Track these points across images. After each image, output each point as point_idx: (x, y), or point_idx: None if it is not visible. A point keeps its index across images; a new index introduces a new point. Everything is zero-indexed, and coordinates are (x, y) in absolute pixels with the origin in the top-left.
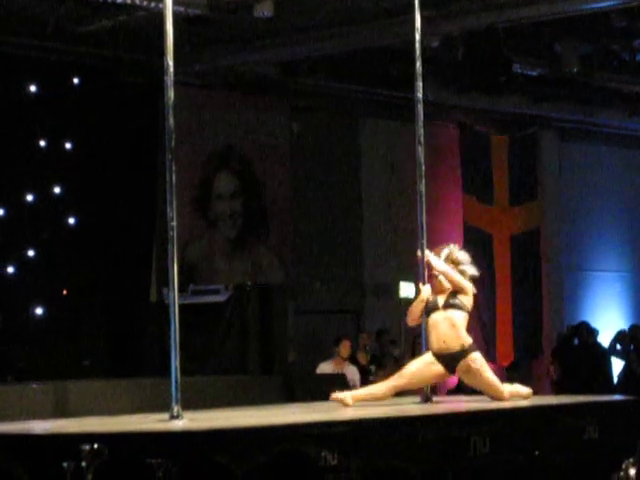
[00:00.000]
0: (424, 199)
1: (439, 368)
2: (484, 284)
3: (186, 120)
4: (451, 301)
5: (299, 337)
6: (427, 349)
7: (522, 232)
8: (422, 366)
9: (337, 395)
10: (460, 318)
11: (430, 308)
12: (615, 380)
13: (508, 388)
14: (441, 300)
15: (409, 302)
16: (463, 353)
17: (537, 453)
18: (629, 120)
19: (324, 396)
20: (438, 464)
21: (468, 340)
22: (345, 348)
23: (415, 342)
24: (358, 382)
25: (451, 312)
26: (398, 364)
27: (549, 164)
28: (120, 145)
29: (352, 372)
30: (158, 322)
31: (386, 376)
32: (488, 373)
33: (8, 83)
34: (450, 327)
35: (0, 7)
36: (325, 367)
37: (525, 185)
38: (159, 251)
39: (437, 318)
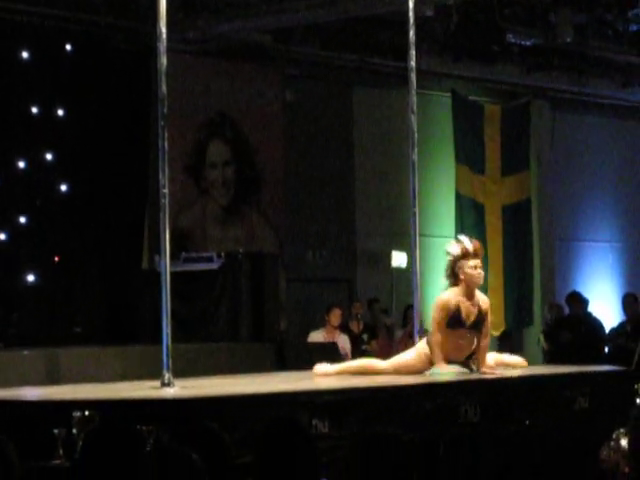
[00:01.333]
0: (417, 168)
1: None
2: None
3: (179, 87)
4: (479, 324)
5: (291, 305)
6: (421, 336)
7: (514, 202)
8: (420, 358)
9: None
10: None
11: (455, 322)
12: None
13: (498, 358)
14: (471, 316)
15: (400, 271)
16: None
17: (528, 422)
18: (622, 90)
19: (315, 364)
20: (429, 432)
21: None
22: (335, 316)
23: (407, 311)
24: (349, 351)
25: (477, 335)
26: (390, 333)
27: (542, 134)
28: (113, 112)
29: (343, 340)
30: (150, 289)
31: (378, 345)
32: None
33: (0, 49)
34: (471, 345)
35: None
36: (316, 335)
37: (517, 155)
38: (151, 218)
39: (462, 339)
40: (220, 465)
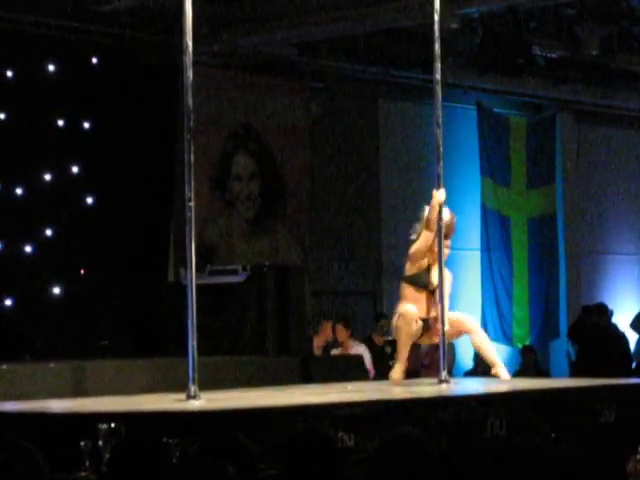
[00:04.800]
0: (442, 181)
1: None
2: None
3: (204, 100)
4: None
5: (316, 318)
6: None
7: (540, 215)
8: None
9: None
10: None
11: None
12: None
13: None
14: None
15: None
16: None
17: (553, 435)
18: None
19: (341, 377)
20: (454, 446)
21: None
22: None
23: None
24: (368, 360)
25: None
26: (416, 346)
27: (567, 147)
28: (138, 125)
29: (361, 351)
30: (176, 302)
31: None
32: None
33: (27, 62)
34: None
35: None
36: (335, 351)
37: (543, 168)
38: (177, 231)
39: None
40: (247, 478)
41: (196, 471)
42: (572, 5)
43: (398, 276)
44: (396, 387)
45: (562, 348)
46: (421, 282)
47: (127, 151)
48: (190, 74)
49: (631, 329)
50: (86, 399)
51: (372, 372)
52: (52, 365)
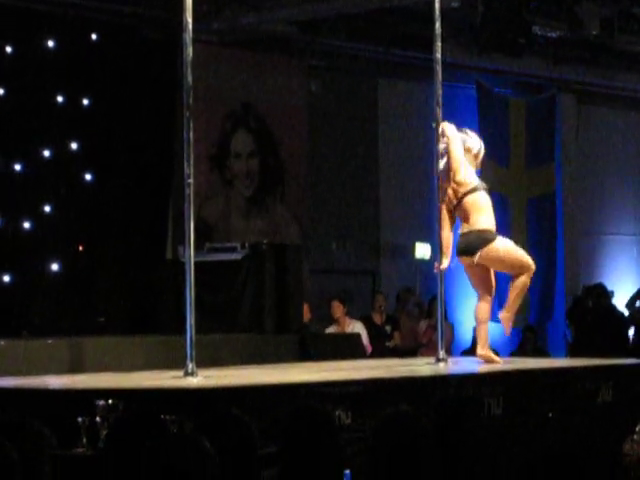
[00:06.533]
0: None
1: None
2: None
3: (204, 78)
4: None
5: (314, 297)
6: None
7: (538, 195)
8: None
9: None
10: None
11: None
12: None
13: None
14: None
15: (424, 263)
16: None
17: (550, 415)
18: None
19: (338, 355)
20: (451, 425)
21: None
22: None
23: (431, 303)
24: (365, 338)
25: None
26: (414, 325)
27: (567, 127)
28: (138, 102)
29: (358, 329)
30: (174, 280)
31: (400, 337)
32: None
33: (27, 38)
34: None
35: None
36: (331, 329)
37: (542, 148)
38: (175, 208)
39: None
40: (245, 454)
41: (174, 444)
42: None
43: (396, 254)
44: (394, 365)
45: (559, 329)
46: None
47: (126, 128)
48: (190, 51)
49: (626, 309)
50: (83, 375)
51: (369, 349)
52: (50, 341)
